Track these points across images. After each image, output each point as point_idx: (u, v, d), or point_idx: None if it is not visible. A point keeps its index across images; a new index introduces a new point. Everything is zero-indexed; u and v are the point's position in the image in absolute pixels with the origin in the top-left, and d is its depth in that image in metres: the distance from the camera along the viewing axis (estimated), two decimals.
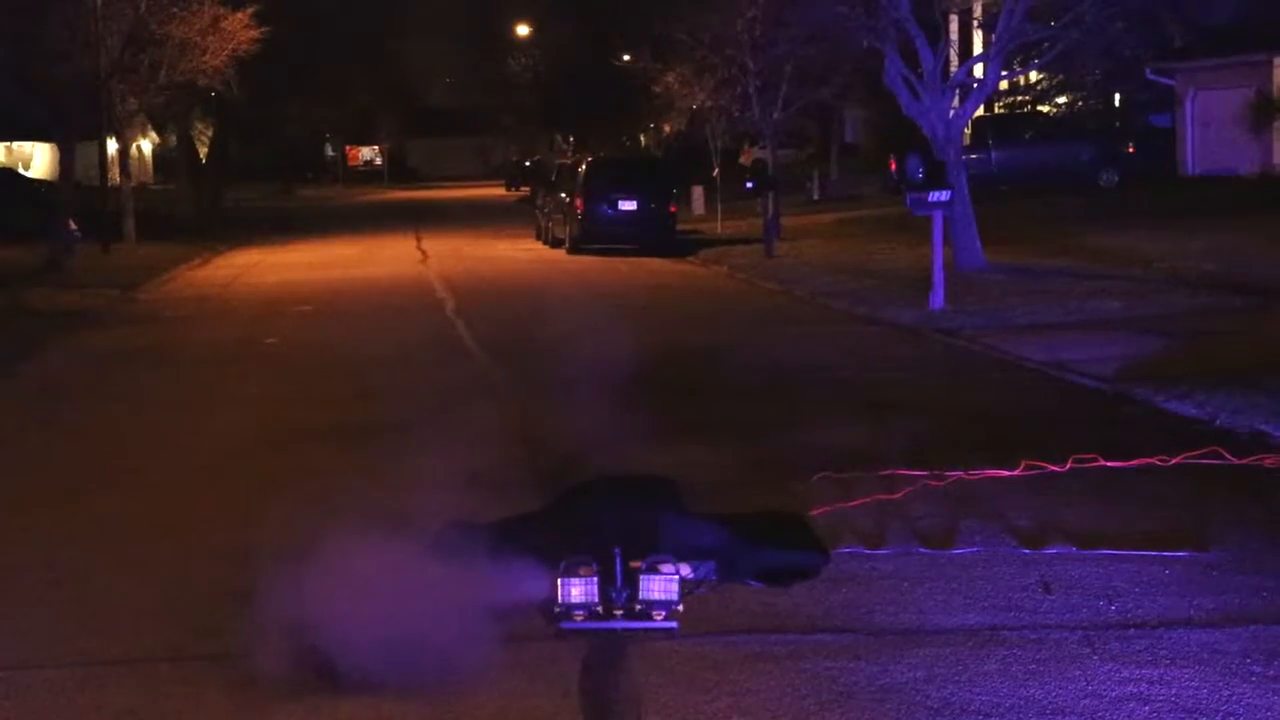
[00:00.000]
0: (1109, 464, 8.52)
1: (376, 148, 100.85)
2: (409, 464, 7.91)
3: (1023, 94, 39.77)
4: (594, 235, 30.22)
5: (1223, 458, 8.49)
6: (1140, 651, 5.59)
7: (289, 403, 12.23)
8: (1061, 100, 40.16)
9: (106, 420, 11.60)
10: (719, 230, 34.64)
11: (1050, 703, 5.11)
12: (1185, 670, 5.38)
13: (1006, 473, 8.38)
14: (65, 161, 31.21)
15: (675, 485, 7.90)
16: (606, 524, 6.45)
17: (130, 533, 7.87)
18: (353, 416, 11.27)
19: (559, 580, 5.91)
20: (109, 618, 6.32)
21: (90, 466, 9.79)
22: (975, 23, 33.31)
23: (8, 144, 52.21)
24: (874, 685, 5.31)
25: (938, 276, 17.25)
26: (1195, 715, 5.00)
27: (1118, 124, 38.50)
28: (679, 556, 6.18)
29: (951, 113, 21.89)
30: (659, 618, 5.91)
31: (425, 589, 5.66)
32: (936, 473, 8.36)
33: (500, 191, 67.98)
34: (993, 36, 22.77)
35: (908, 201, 17.99)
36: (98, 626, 6.21)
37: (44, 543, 7.70)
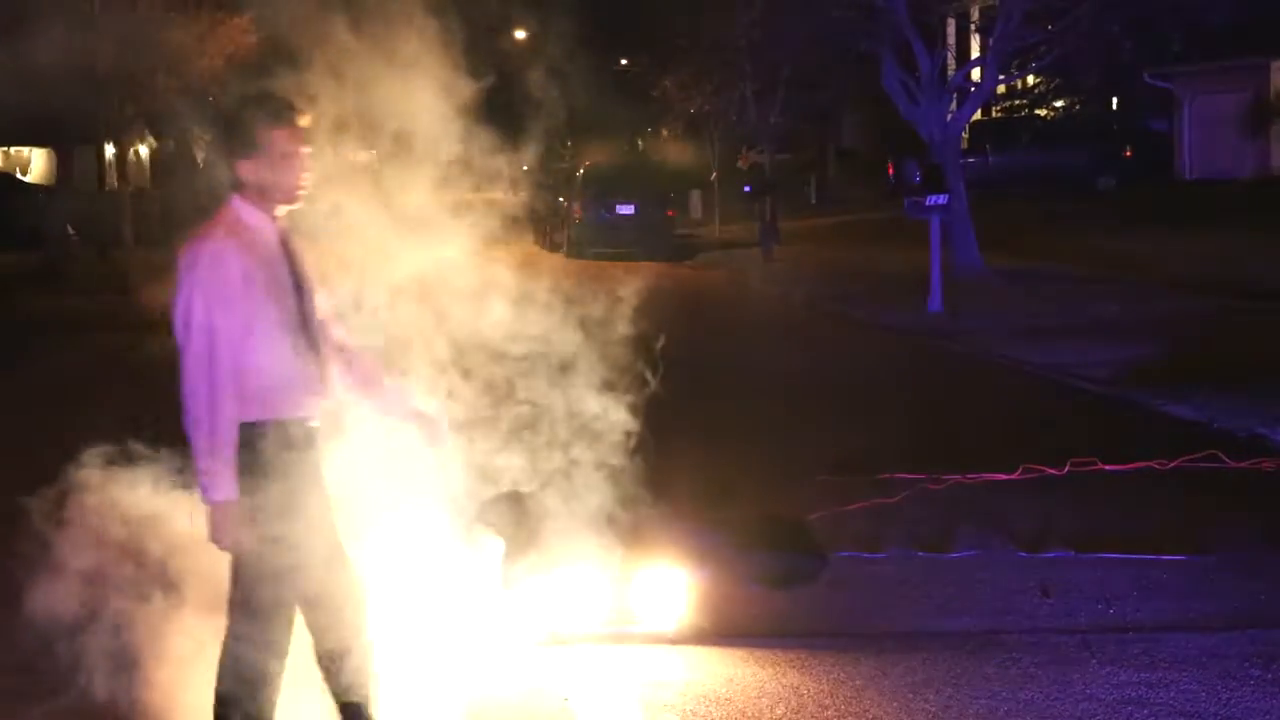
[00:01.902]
0: (1107, 467, 8.52)
1: (374, 151, 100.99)
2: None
3: (1020, 98, 39.79)
4: (592, 239, 30.23)
5: (1221, 461, 8.50)
6: (1138, 655, 5.59)
7: None
8: (1059, 104, 40.17)
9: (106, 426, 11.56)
10: (717, 234, 34.65)
11: (1048, 707, 5.10)
12: (1183, 674, 5.38)
13: (1005, 476, 8.38)
14: (63, 166, 31.22)
15: (673, 488, 7.89)
16: (604, 527, 6.44)
17: None
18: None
19: (557, 583, 5.91)
20: None
21: None
22: (972, 26, 33.34)
23: (5, 149, 52.23)
24: (872, 688, 5.30)
25: (935, 280, 17.26)
26: (1193, 719, 4.99)
27: (1115, 128, 38.50)
28: (677, 560, 6.17)
29: (949, 116, 21.91)
30: (657, 621, 5.90)
31: (419, 591, 5.65)
32: (934, 476, 8.37)
33: (498, 195, 67.95)
34: (990, 40, 22.80)
35: (905, 205, 18.02)
36: None
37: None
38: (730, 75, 32.45)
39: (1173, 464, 8.50)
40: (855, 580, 6.65)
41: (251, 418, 4.09)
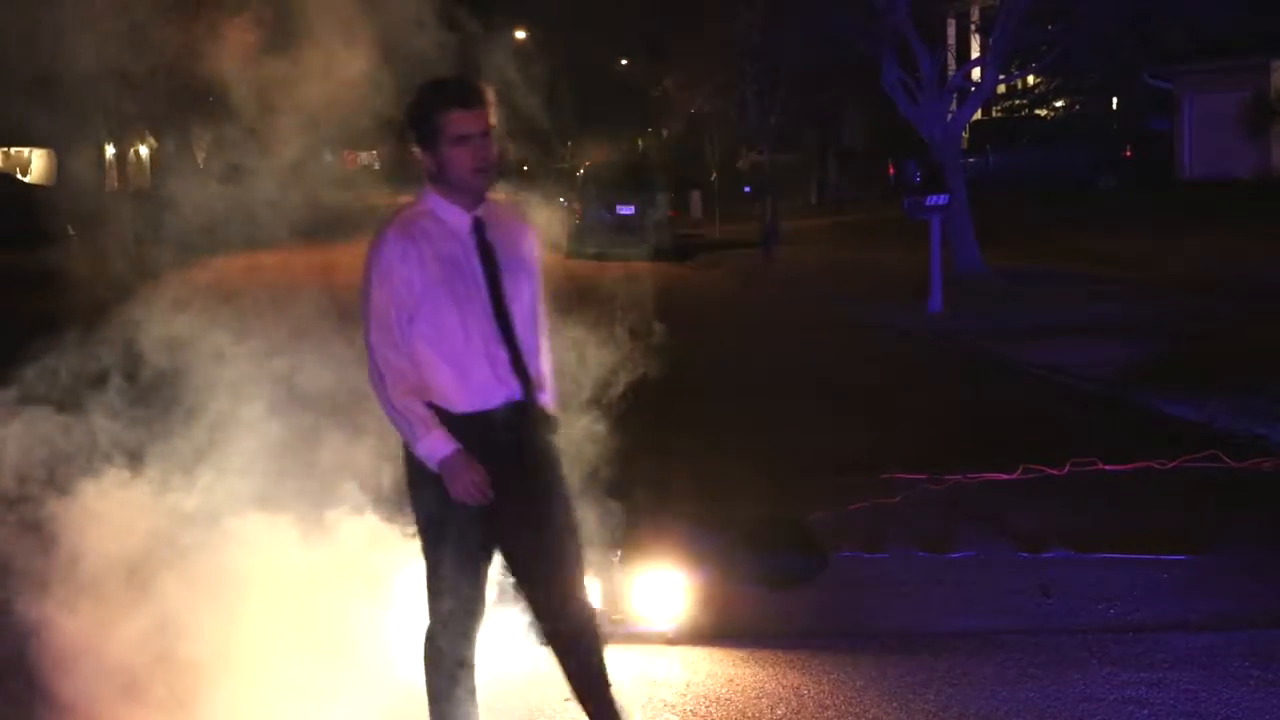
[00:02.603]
0: (1108, 467, 8.52)
1: (375, 152, 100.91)
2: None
3: (1020, 98, 39.80)
4: (592, 239, 30.19)
5: (1221, 461, 8.50)
6: (1139, 655, 5.59)
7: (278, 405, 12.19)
8: (1059, 104, 40.17)
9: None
10: (717, 234, 34.64)
11: (1049, 706, 5.10)
12: (1183, 674, 5.38)
13: (1005, 476, 8.38)
14: (63, 167, 31.21)
15: (673, 488, 7.89)
16: (604, 527, 6.44)
17: None
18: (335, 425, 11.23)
19: None
20: None
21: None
22: (973, 26, 33.34)
23: (5, 149, 52.19)
24: (873, 688, 5.30)
25: (936, 280, 17.25)
26: (1193, 719, 5.00)
27: (1115, 128, 38.50)
28: (677, 560, 6.17)
29: (949, 116, 21.90)
30: (658, 622, 5.90)
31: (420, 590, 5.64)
32: (935, 476, 8.37)
33: (497, 195, 67.82)
34: (990, 40, 22.79)
35: (905, 205, 18.00)
36: None
37: None
38: (730, 75, 32.43)
39: (1173, 464, 8.50)
40: (855, 580, 6.65)
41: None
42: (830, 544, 7.12)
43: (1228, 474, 8.39)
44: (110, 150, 35.31)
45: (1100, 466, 8.52)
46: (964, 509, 7.80)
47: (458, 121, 4.08)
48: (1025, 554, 6.97)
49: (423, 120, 4.12)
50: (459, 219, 4.17)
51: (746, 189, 32.53)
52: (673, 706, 5.19)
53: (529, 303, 4.28)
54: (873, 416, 10.83)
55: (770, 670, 5.50)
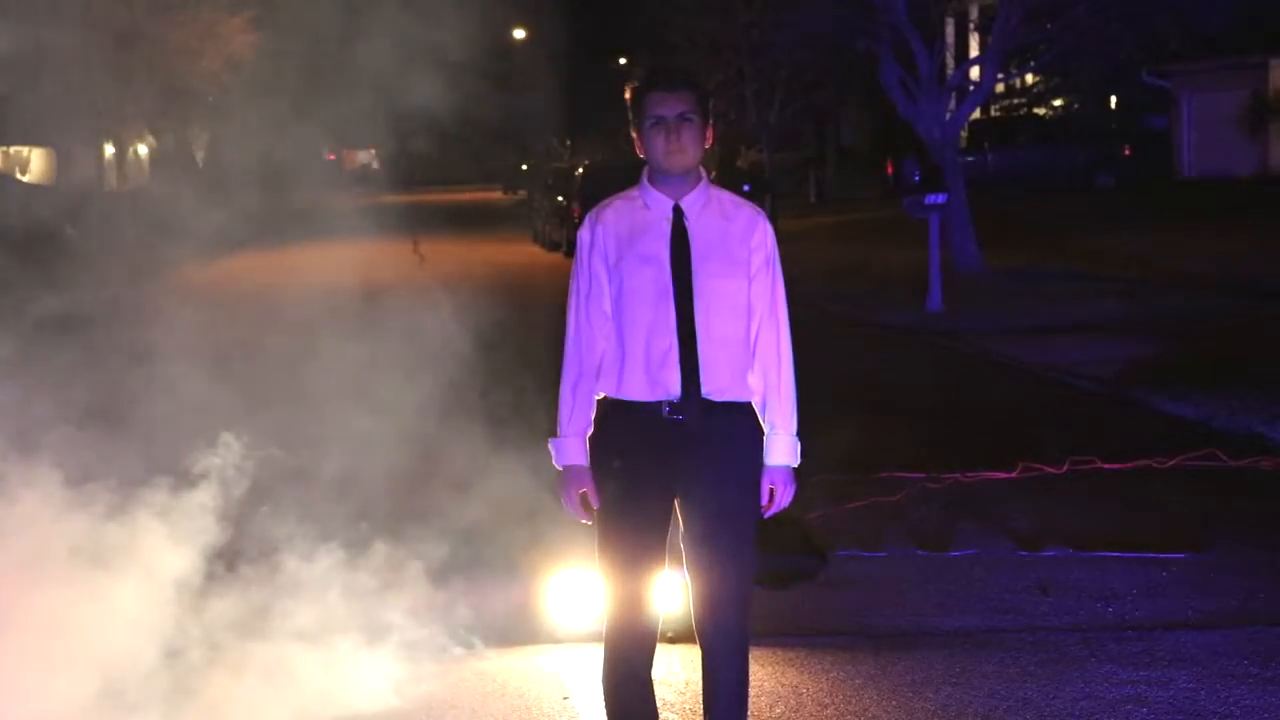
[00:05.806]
0: (1106, 466, 8.52)
1: (373, 151, 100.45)
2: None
3: (1019, 97, 39.79)
4: None
5: (1220, 459, 8.49)
6: (1138, 653, 5.59)
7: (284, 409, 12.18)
8: (1058, 103, 40.17)
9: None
10: None
11: (1048, 705, 5.11)
12: (1182, 672, 5.38)
13: (1004, 475, 8.38)
14: (62, 166, 31.21)
15: None
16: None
17: None
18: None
19: (556, 584, 5.90)
20: None
21: None
22: (971, 25, 33.33)
23: (4, 148, 52.11)
24: (872, 687, 5.31)
25: (934, 278, 17.25)
26: (1192, 717, 5.00)
27: (1114, 126, 38.49)
28: (677, 559, 6.16)
29: (948, 115, 21.90)
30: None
31: (419, 591, 5.66)
32: (934, 475, 8.36)
33: (497, 195, 67.93)
34: (989, 39, 22.80)
35: (904, 204, 18.00)
36: None
37: None
38: (729, 74, 32.42)
39: (1172, 462, 8.50)
40: (855, 579, 6.65)
41: (598, 392, 4.13)
42: (829, 543, 7.12)
43: (1226, 472, 8.39)
44: (109, 149, 35.28)
45: (1100, 465, 8.52)
46: (963, 507, 7.80)
47: (655, 103, 4.07)
48: (1024, 552, 6.97)
49: (631, 102, 4.12)
50: (660, 203, 4.12)
51: (746, 187, 32.46)
52: (673, 706, 5.19)
53: (731, 298, 4.24)
54: (872, 415, 10.81)
55: (769, 669, 5.50)
